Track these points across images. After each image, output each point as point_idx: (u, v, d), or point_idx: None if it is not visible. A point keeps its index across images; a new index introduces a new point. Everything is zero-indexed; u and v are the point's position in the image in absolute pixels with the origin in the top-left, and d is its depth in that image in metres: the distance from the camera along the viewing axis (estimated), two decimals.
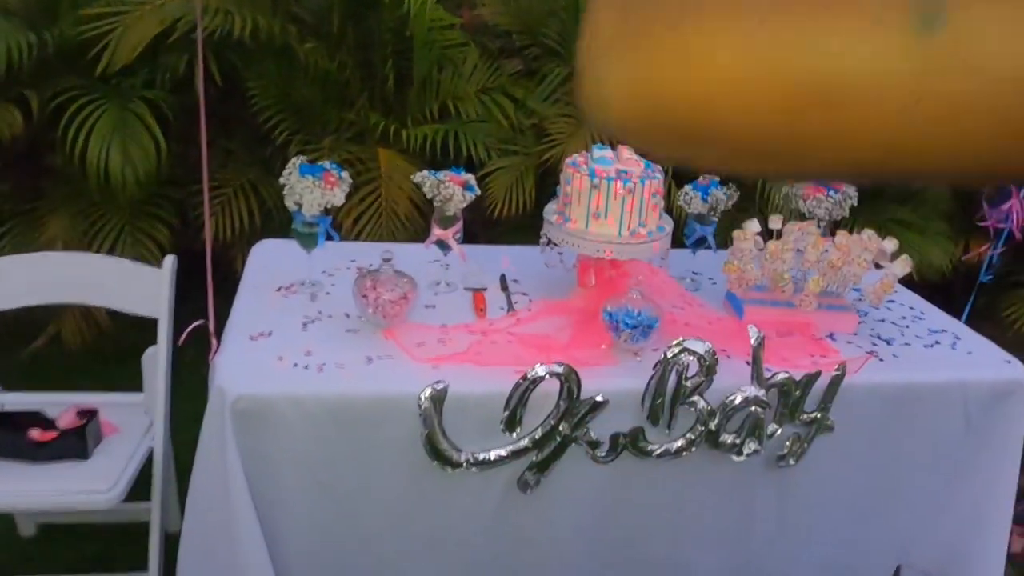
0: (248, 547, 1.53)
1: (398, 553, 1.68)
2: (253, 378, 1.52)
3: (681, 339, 1.61)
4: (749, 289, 1.92)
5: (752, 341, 1.67)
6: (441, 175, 1.87)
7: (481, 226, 2.00)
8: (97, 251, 2.50)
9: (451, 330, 1.77)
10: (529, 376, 1.54)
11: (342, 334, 1.71)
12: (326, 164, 1.80)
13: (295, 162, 1.78)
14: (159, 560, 1.80)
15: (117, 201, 2.37)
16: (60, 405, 1.82)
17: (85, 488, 1.60)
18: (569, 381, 1.56)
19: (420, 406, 1.52)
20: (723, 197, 2.05)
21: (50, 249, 2.53)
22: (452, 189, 1.84)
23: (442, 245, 1.93)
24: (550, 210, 1.94)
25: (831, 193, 2.07)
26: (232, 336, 1.66)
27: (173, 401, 1.87)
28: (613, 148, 1.91)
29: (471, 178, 1.90)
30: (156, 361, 1.82)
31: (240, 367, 1.54)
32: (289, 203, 1.77)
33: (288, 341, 1.66)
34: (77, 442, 1.67)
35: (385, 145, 2.76)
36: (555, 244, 1.92)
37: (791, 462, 1.77)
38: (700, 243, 2.12)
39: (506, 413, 1.57)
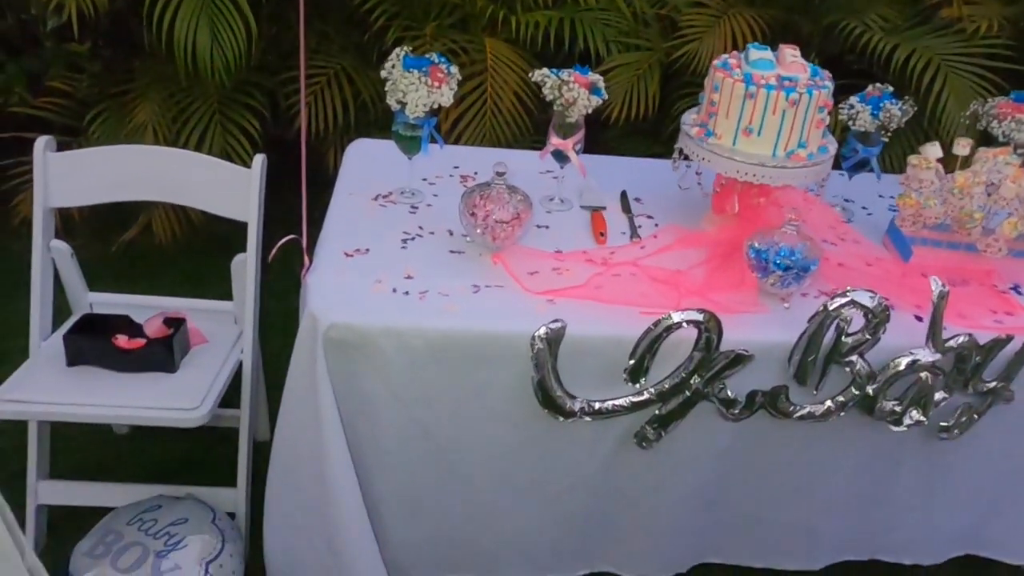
0: (339, 482, 1.41)
1: (493, 499, 1.54)
2: (348, 304, 1.35)
3: (848, 289, 1.35)
4: (924, 227, 1.61)
5: (933, 295, 1.38)
6: (564, 74, 1.59)
7: (592, 129, 1.73)
8: (186, 139, 2.35)
9: (567, 257, 1.55)
10: (663, 323, 1.32)
11: (445, 255, 1.52)
12: (433, 57, 1.55)
13: (399, 53, 1.54)
14: (247, 475, 1.73)
15: (206, 87, 2.20)
16: (148, 309, 1.71)
17: (171, 404, 1.51)
18: (709, 330, 1.33)
19: (533, 347, 1.33)
20: (898, 113, 1.70)
21: (139, 136, 2.41)
22: (577, 92, 1.57)
23: (559, 156, 1.68)
24: (689, 120, 1.65)
25: None
26: (325, 251, 1.49)
27: (263, 304, 1.74)
28: (773, 48, 1.58)
29: (599, 80, 1.61)
30: (246, 269, 1.68)
31: (334, 290, 1.38)
32: (391, 101, 1.55)
33: (386, 261, 1.47)
34: (164, 353, 1.57)
35: (492, 33, 2.47)
36: (689, 160, 1.64)
37: (955, 434, 1.52)
38: (860, 166, 1.79)
39: (632, 362, 1.37)
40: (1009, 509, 1.68)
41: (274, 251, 1.40)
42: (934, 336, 1.39)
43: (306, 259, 1.42)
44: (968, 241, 1.61)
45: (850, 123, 1.73)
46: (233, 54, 2.14)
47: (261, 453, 1.91)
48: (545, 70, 1.61)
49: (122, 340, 1.58)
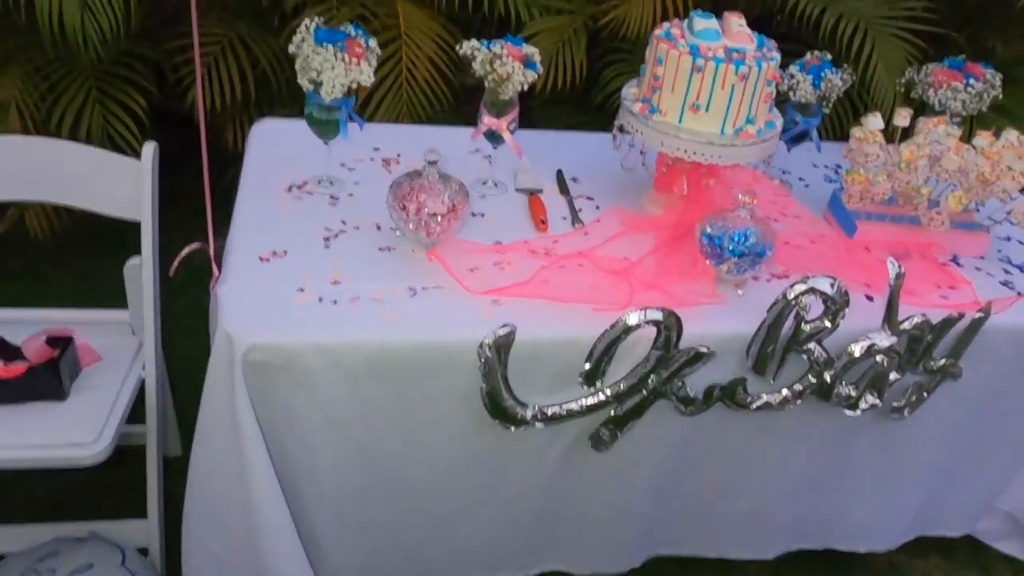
0: (268, 513, 1.26)
1: (440, 511, 1.43)
2: (269, 320, 1.18)
3: (807, 277, 1.28)
4: (871, 203, 1.57)
5: (890, 276, 1.34)
6: (496, 47, 1.45)
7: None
8: (59, 121, 2.07)
9: (508, 249, 1.43)
10: (620, 324, 1.22)
11: (375, 254, 1.36)
12: (349, 29, 1.37)
13: (308, 26, 1.35)
14: (158, 505, 1.54)
15: (79, 59, 1.92)
16: (26, 325, 1.48)
17: (63, 439, 1.30)
18: (669, 328, 1.24)
19: (481, 356, 1.21)
20: (839, 83, 1.64)
21: (2, 117, 2.10)
22: (511, 66, 1.43)
23: (492, 136, 1.54)
24: (630, 95, 1.54)
25: (971, 83, 1.67)
26: (237, 256, 1.31)
27: (163, 302, 1.53)
28: (718, 17, 1.48)
29: (534, 53, 1.47)
30: (141, 274, 1.47)
31: (250, 304, 1.20)
32: (303, 82, 1.36)
33: (308, 264, 1.31)
34: (50, 380, 1.35)
35: None
36: (630, 136, 1.53)
37: (905, 414, 1.50)
38: (800, 138, 1.74)
39: (587, 366, 1.26)
40: (960, 484, 1.70)
41: (176, 263, 1.21)
42: (890, 319, 1.35)
43: (214, 268, 1.24)
44: (912, 215, 1.58)
45: (791, 93, 1.66)
46: (109, 22, 1.86)
47: (172, 470, 1.73)
48: (474, 42, 1.46)
49: None
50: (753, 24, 1.49)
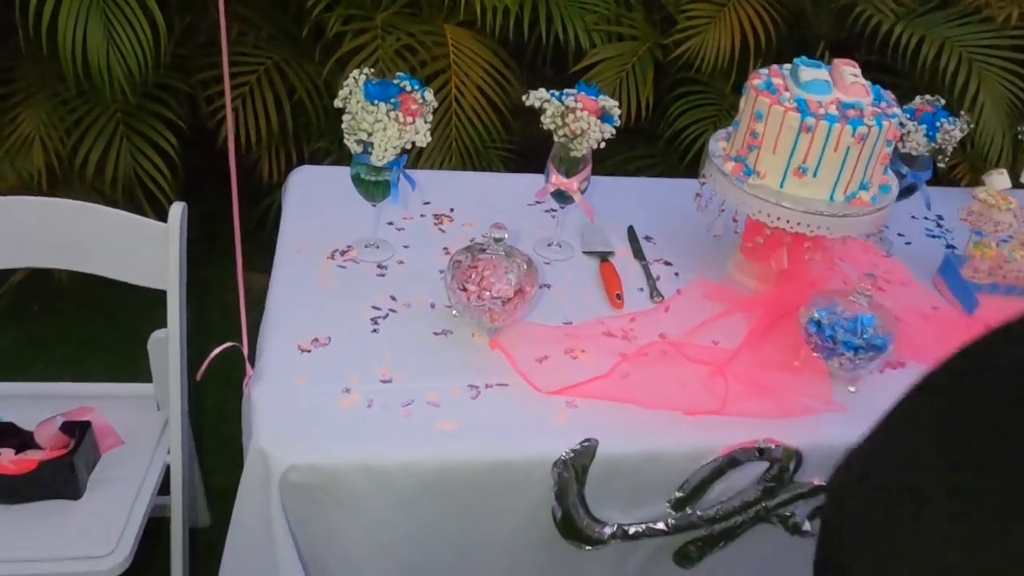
0: None
1: None
2: (310, 434, 1.01)
3: None
4: (1001, 279, 1.36)
5: None
6: (568, 98, 1.26)
7: None
8: (85, 157, 1.92)
9: (581, 331, 1.24)
10: (723, 458, 1.03)
11: (429, 340, 1.19)
12: (403, 81, 1.20)
13: (357, 79, 1.18)
14: None
15: (105, 91, 1.77)
16: (43, 401, 1.34)
17: (75, 550, 1.15)
18: (786, 460, 1.05)
19: (555, 474, 1.03)
20: (957, 134, 1.43)
21: (26, 151, 1.97)
22: (585, 121, 1.24)
23: (561, 196, 1.36)
24: (719, 150, 1.35)
25: None
26: (273, 344, 1.14)
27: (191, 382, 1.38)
28: (827, 62, 1.28)
29: (612, 105, 1.29)
30: (167, 348, 1.32)
31: (289, 411, 1.03)
32: (351, 142, 1.19)
33: (354, 354, 1.14)
34: (63, 476, 1.20)
35: (450, 20, 2.09)
36: (713, 194, 1.34)
37: None
38: (906, 193, 1.53)
39: (679, 494, 1.08)
40: None
41: (204, 368, 1.05)
42: None
43: (248, 367, 1.07)
44: None
45: (899, 144, 1.45)
46: (136, 58, 1.71)
47: (200, 542, 1.59)
48: (543, 92, 1.28)
49: (6, 460, 1.21)
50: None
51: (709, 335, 1.26)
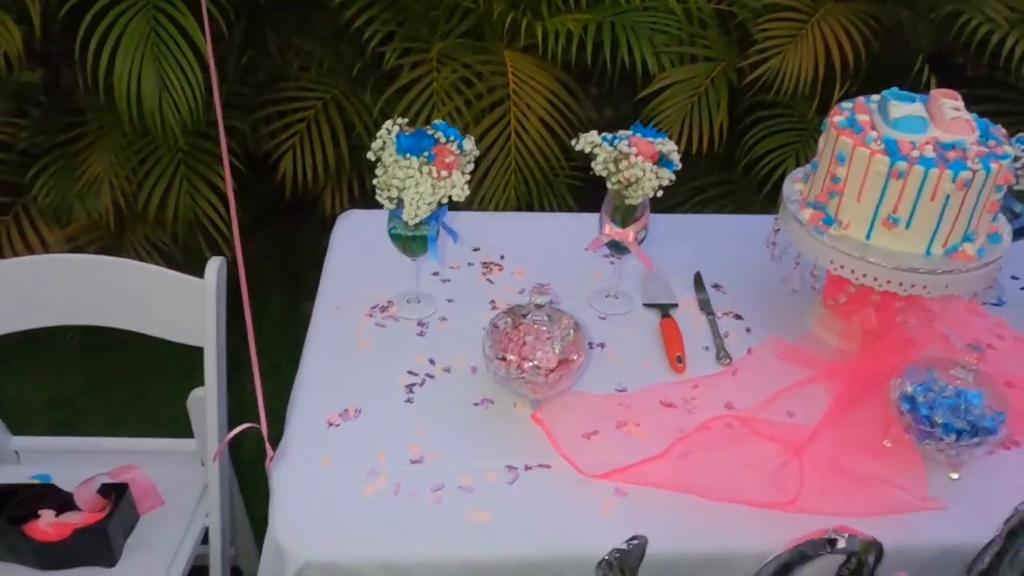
0: None
1: None
2: (330, 525, 0.93)
3: None
4: None
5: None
6: (622, 142, 1.14)
7: None
8: (148, 197, 1.94)
9: (635, 402, 1.12)
10: (796, 553, 0.89)
11: (467, 411, 1.09)
12: (437, 133, 1.11)
13: (390, 129, 1.10)
14: None
15: (158, 140, 1.78)
16: (83, 457, 1.32)
17: None
18: (863, 553, 0.90)
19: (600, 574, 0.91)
20: None
21: (94, 193, 2.00)
22: (640, 168, 1.12)
23: (616, 248, 1.24)
24: (795, 194, 1.20)
25: None
26: (302, 415, 1.07)
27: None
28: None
29: (670, 148, 1.16)
30: (205, 407, 1.27)
31: (310, 499, 0.96)
32: (383, 198, 1.11)
33: (385, 428, 1.06)
34: (98, 544, 1.17)
35: (512, 46, 2.00)
36: (777, 230, 1.19)
37: None
38: (1021, 234, 1.33)
39: None
40: None
41: (219, 450, 0.98)
42: None
43: (268, 448, 1.00)
44: None
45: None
46: (189, 106, 1.70)
47: None
48: (594, 135, 1.16)
49: (42, 525, 1.19)
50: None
51: (783, 406, 1.12)
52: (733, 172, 1.97)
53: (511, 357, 1.04)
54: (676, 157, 1.15)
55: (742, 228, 1.51)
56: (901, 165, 1.02)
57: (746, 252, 1.40)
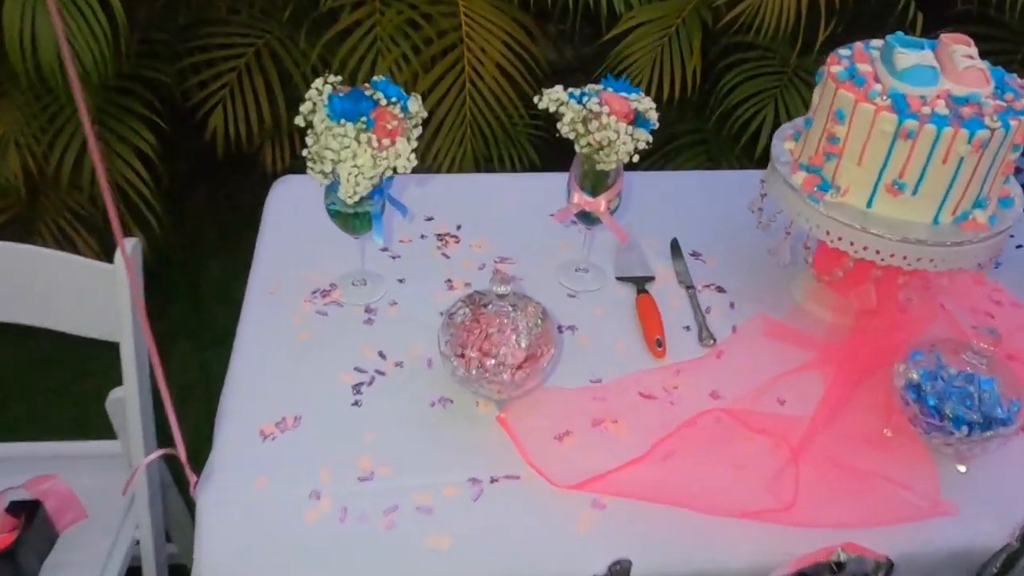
0: None
1: None
2: (267, 558, 0.80)
3: None
4: None
5: None
6: (592, 99, 0.99)
7: None
8: (60, 160, 1.72)
9: (611, 393, 1.00)
10: (796, 574, 0.79)
11: (424, 413, 0.96)
12: (377, 91, 0.94)
13: (321, 89, 0.93)
14: None
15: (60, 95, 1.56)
16: None
17: None
18: (874, 573, 0.80)
19: None
20: None
21: (2, 154, 1.78)
22: (614, 128, 0.98)
23: (587, 218, 1.10)
24: (785, 155, 1.07)
25: None
26: (230, 426, 0.93)
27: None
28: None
29: (647, 105, 1.01)
30: (126, 409, 1.12)
31: (241, 531, 0.83)
32: (315, 172, 0.95)
33: (329, 438, 0.92)
34: (8, 570, 1.04)
35: None
36: (764, 195, 1.07)
37: None
38: None
39: None
40: None
41: (129, 483, 0.84)
42: None
43: (189, 474, 0.86)
44: None
45: None
46: (94, 56, 1.48)
47: None
48: (560, 91, 1.01)
49: None
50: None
51: (774, 392, 1.01)
52: (707, 121, 1.83)
53: (471, 354, 0.91)
54: (654, 116, 1.00)
55: (722, 186, 1.39)
56: (910, 124, 0.89)
57: (727, 214, 1.27)
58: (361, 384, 0.99)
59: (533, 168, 1.89)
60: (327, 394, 0.97)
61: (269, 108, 1.85)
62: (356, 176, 0.89)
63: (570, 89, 1.02)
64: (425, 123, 1.59)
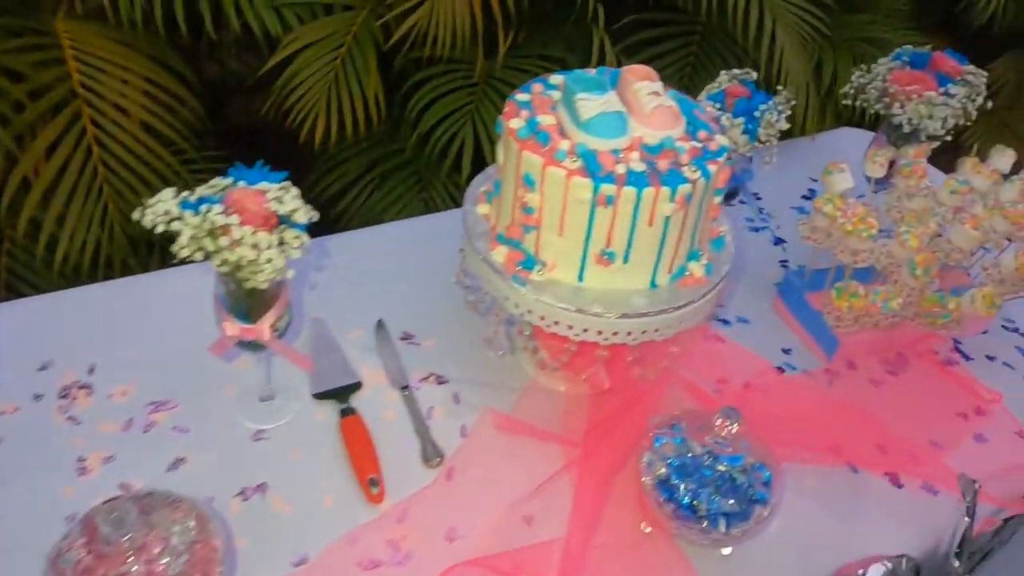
0: None
1: None
2: None
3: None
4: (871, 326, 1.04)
5: (964, 494, 0.83)
6: (215, 210, 0.73)
7: (285, 155, 0.95)
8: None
9: (323, 572, 0.77)
10: None
11: None
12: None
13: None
14: None
15: None
16: None
17: None
18: None
19: None
20: (783, 124, 1.08)
21: None
22: (251, 242, 0.73)
23: (254, 345, 0.84)
24: (479, 227, 0.89)
25: (950, 88, 1.16)
26: None
27: None
28: (608, 72, 0.84)
29: (292, 204, 0.77)
30: None
31: None
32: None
33: None
34: None
35: (69, 13, 1.41)
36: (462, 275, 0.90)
37: None
38: (729, 197, 1.18)
39: None
40: None
41: None
42: (963, 550, 0.85)
43: None
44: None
45: None
46: None
47: None
48: (168, 201, 0.74)
49: None
50: None
51: (519, 512, 0.84)
52: (405, 148, 1.62)
53: None
54: (303, 216, 0.76)
55: (433, 237, 1.16)
56: (607, 189, 0.75)
57: (440, 276, 1.07)
58: None
59: None
60: None
61: None
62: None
63: (184, 196, 0.74)
64: (44, 204, 1.21)
